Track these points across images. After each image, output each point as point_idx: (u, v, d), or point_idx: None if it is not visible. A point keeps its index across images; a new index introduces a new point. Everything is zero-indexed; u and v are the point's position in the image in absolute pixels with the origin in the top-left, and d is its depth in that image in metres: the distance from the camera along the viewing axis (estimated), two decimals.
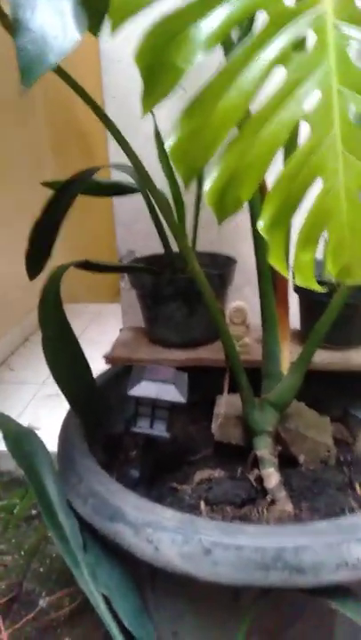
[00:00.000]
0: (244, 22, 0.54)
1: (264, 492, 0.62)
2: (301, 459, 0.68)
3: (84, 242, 2.03)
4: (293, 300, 0.80)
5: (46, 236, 0.68)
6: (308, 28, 0.40)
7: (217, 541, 0.48)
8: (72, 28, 0.37)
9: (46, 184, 0.78)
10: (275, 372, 0.67)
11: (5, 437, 0.65)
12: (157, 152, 0.81)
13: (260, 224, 0.43)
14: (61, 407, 0.72)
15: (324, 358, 0.78)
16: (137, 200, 0.85)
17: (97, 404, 0.73)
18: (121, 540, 0.53)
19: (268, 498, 0.61)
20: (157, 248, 0.89)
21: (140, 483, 0.68)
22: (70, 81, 0.53)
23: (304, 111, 0.40)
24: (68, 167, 0.72)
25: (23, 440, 0.66)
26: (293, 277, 0.45)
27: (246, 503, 0.62)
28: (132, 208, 0.97)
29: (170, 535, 0.50)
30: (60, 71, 0.52)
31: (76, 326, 0.65)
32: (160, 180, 0.68)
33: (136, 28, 0.39)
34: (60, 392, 0.66)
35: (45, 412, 1.33)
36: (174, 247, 0.85)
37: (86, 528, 0.59)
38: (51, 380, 0.64)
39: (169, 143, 0.40)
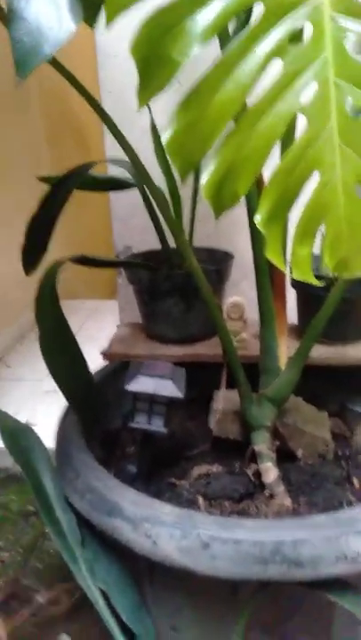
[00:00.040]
0: (241, 14, 0.54)
1: (262, 486, 0.62)
2: (300, 453, 0.68)
3: (81, 238, 2.02)
4: (291, 296, 0.80)
5: (42, 231, 0.67)
6: (305, 20, 0.40)
7: (215, 535, 0.48)
8: (67, 18, 0.36)
9: (42, 179, 0.77)
10: (272, 367, 0.67)
11: (2, 433, 0.65)
12: (154, 146, 0.81)
13: (258, 218, 0.42)
14: (59, 404, 0.72)
15: (322, 353, 0.78)
16: (133, 195, 0.84)
17: (94, 400, 0.73)
18: (119, 536, 0.53)
19: (267, 492, 0.61)
20: (154, 243, 0.89)
21: (137, 478, 0.68)
22: (66, 73, 0.53)
23: (301, 104, 0.40)
24: (65, 162, 0.72)
25: (20, 436, 0.66)
26: (291, 272, 0.45)
27: (244, 498, 0.62)
28: (128, 203, 0.96)
29: (168, 530, 0.50)
30: (56, 63, 0.52)
31: (73, 323, 0.65)
32: (156, 175, 0.68)
33: (132, 22, 0.38)
34: (57, 389, 0.66)
35: (43, 409, 1.32)
36: (171, 242, 0.85)
37: (84, 524, 0.59)
38: (48, 376, 0.64)
39: (165, 136, 0.40)
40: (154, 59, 0.38)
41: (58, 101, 1.99)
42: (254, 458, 0.64)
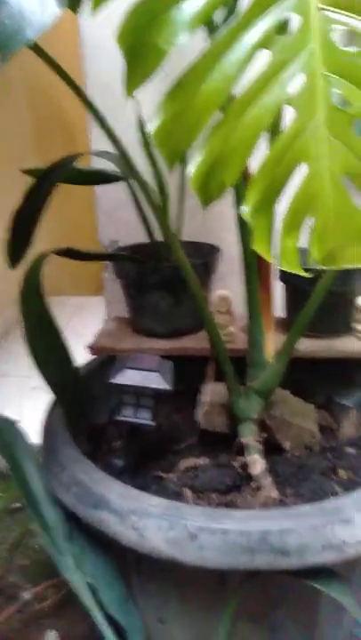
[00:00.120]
0: (229, 3, 0.54)
1: (249, 478, 0.62)
2: (287, 445, 0.68)
3: (66, 233, 2.01)
4: (279, 289, 0.80)
5: (27, 224, 0.67)
6: (291, 12, 0.40)
7: (203, 526, 0.48)
8: (51, 2, 0.36)
9: (27, 171, 0.76)
10: (259, 360, 0.68)
11: None
12: (141, 139, 0.80)
13: (245, 209, 0.42)
14: (45, 400, 0.71)
15: (309, 346, 0.78)
16: (119, 188, 0.84)
17: (81, 394, 0.72)
18: (106, 528, 0.52)
19: (254, 484, 0.61)
20: (140, 238, 0.89)
21: (124, 472, 0.68)
22: (50, 60, 0.53)
23: (288, 95, 0.40)
24: (50, 156, 0.71)
25: (4, 431, 0.66)
26: (278, 264, 0.45)
27: (232, 490, 0.62)
28: (114, 197, 0.96)
29: (155, 521, 0.50)
30: (40, 51, 0.51)
31: (59, 319, 0.64)
32: (143, 169, 0.68)
33: (118, 12, 0.38)
34: (43, 385, 0.65)
35: (29, 405, 1.31)
36: (158, 237, 0.85)
37: (71, 518, 0.58)
38: (34, 372, 0.63)
39: (152, 126, 0.40)
40: (140, 47, 0.38)
41: (44, 95, 1.97)
42: (241, 450, 0.64)
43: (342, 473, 0.66)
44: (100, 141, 0.92)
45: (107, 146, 0.69)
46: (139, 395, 0.65)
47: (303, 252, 0.44)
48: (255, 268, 0.65)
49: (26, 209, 0.66)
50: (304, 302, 0.63)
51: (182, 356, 0.78)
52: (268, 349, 0.68)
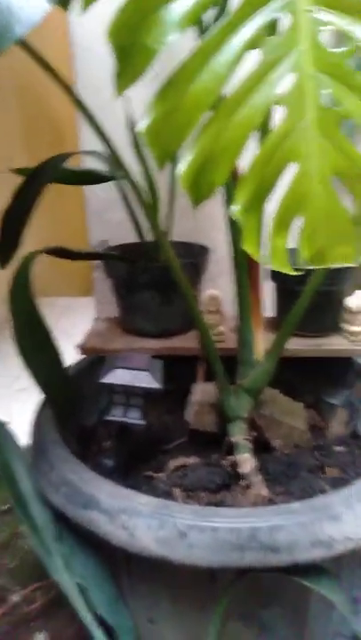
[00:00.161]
0: (219, 3, 0.54)
1: (239, 477, 0.62)
2: (276, 444, 0.69)
3: (56, 233, 2.00)
4: (269, 289, 0.80)
5: (16, 224, 0.66)
6: (281, 12, 0.40)
7: (192, 524, 0.48)
8: None
9: (16, 171, 0.76)
10: (249, 360, 0.68)
11: None
12: (131, 139, 0.80)
13: (234, 208, 0.43)
14: (34, 402, 0.71)
15: (298, 345, 0.79)
16: (109, 188, 0.84)
17: (70, 394, 0.72)
18: (95, 528, 0.52)
19: (243, 483, 0.61)
20: (130, 238, 0.89)
21: (114, 472, 0.68)
22: (38, 57, 0.52)
23: (278, 95, 0.40)
24: (39, 156, 0.70)
25: None
26: (268, 264, 0.45)
27: (221, 489, 0.63)
28: (104, 197, 0.96)
29: (145, 520, 0.50)
30: (29, 48, 0.51)
31: (48, 319, 0.64)
32: (133, 170, 0.68)
33: (108, 11, 0.38)
34: (32, 387, 0.65)
35: (18, 407, 1.30)
36: (148, 237, 0.85)
37: (60, 518, 0.58)
38: (22, 374, 0.63)
39: (142, 125, 0.40)
40: (130, 47, 0.38)
41: (33, 94, 1.96)
42: (231, 449, 0.65)
43: (331, 471, 0.66)
44: (89, 141, 0.92)
45: (96, 146, 0.69)
46: (129, 394, 0.65)
47: (293, 253, 0.44)
48: (245, 268, 0.65)
49: (15, 209, 0.66)
50: (293, 302, 0.63)
51: (172, 356, 0.78)
52: (258, 349, 0.68)
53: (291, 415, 0.71)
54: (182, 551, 0.48)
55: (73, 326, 1.63)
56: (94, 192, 0.97)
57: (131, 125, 0.80)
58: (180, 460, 0.68)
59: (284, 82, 0.40)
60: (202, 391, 0.73)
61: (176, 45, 0.39)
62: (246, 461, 0.61)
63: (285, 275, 0.44)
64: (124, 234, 0.91)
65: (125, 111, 0.77)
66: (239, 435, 0.64)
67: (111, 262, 0.84)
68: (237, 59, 0.39)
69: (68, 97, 0.57)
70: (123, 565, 0.59)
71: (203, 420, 0.71)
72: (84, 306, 1.73)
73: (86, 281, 1.13)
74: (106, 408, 0.68)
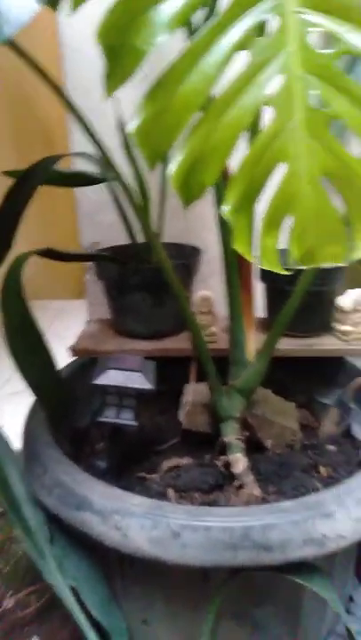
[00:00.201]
0: (208, 4, 0.54)
1: (232, 477, 0.62)
2: (269, 443, 0.69)
3: (47, 235, 1.99)
4: (260, 290, 0.81)
5: (7, 227, 0.66)
6: (269, 13, 0.40)
7: (185, 524, 0.48)
8: None
9: (6, 173, 0.76)
10: (241, 360, 0.68)
11: None
12: (121, 141, 0.81)
13: (225, 209, 0.43)
14: (26, 405, 0.70)
15: (289, 345, 0.79)
16: (100, 191, 0.84)
17: (63, 395, 0.72)
18: (89, 529, 0.52)
19: (236, 483, 0.61)
20: (121, 240, 0.89)
21: (107, 474, 0.68)
22: (27, 58, 0.52)
23: (267, 96, 0.41)
24: (29, 159, 0.70)
25: None
26: (259, 263, 0.45)
27: (214, 489, 0.63)
28: (95, 199, 0.96)
29: (138, 521, 0.49)
30: (18, 49, 0.51)
31: (41, 322, 0.64)
32: (123, 171, 0.68)
33: (98, 10, 0.38)
34: (24, 390, 0.65)
35: (10, 410, 1.30)
36: (140, 239, 0.85)
37: (53, 520, 0.58)
38: (15, 377, 0.63)
39: (132, 126, 0.40)
40: (119, 47, 0.38)
41: (22, 96, 1.96)
42: (224, 449, 0.65)
43: (323, 470, 0.67)
44: (80, 143, 0.92)
45: (87, 147, 0.69)
46: (121, 395, 0.65)
47: (283, 253, 0.44)
48: (236, 268, 0.65)
49: (6, 211, 0.66)
50: (284, 302, 0.63)
51: (165, 357, 0.78)
52: (250, 349, 0.69)
53: (283, 415, 0.71)
54: (175, 551, 0.48)
55: (66, 329, 1.63)
56: (85, 194, 0.97)
57: (121, 127, 0.80)
58: (174, 461, 0.68)
59: (273, 83, 0.40)
60: (194, 392, 0.73)
61: (165, 47, 0.39)
62: (239, 461, 0.62)
63: (275, 275, 0.44)
64: (115, 235, 0.91)
65: (115, 112, 0.77)
66: (232, 435, 0.64)
67: (102, 264, 0.84)
68: (227, 59, 0.40)
69: (57, 98, 0.57)
70: (116, 567, 0.59)
71: (195, 420, 0.71)
72: (77, 308, 1.72)
73: (79, 284, 1.13)
74: (98, 409, 0.67)
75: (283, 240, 0.45)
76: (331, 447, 0.72)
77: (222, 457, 0.64)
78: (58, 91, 0.56)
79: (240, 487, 0.61)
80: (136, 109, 0.39)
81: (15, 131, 1.98)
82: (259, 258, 0.45)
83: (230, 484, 0.62)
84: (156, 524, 0.49)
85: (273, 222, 0.44)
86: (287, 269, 0.45)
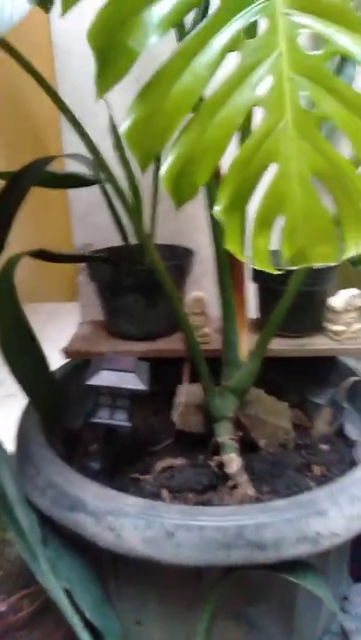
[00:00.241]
0: (200, 6, 0.55)
1: (226, 477, 0.62)
2: (262, 443, 0.69)
3: (40, 238, 1.98)
4: (252, 290, 0.81)
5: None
6: (259, 15, 0.41)
7: (179, 524, 0.48)
8: None
9: None
10: (234, 360, 0.68)
11: None
12: (114, 143, 0.81)
13: (217, 209, 0.43)
14: (19, 408, 0.70)
15: (282, 346, 0.79)
16: (93, 192, 0.84)
17: (56, 397, 0.72)
18: (82, 530, 0.52)
19: (230, 483, 0.61)
20: (114, 241, 0.89)
21: (100, 475, 0.68)
22: (19, 58, 0.52)
23: (257, 97, 0.41)
24: (21, 161, 0.70)
25: None
26: (251, 264, 0.45)
27: (208, 489, 0.63)
28: (87, 200, 0.96)
29: (132, 521, 0.49)
30: (10, 49, 0.51)
31: (33, 325, 0.63)
32: (116, 173, 0.68)
33: (90, 11, 0.38)
34: (17, 393, 0.65)
35: (3, 412, 1.29)
36: (133, 240, 0.85)
37: (46, 522, 0.58)
38: (8, 380, 0.63)
39: (124, 127, 0.40)
40: (111, 48, 0.39)
41: (14, 97, 1.95)
42: (217, 450, 0.65)
43: (316, 469, 0.67)
44: (72, 145, 0.92)
45: (79, 149, 0.69)
46: (115, 396, 0.65)
47: (275, 254, 0.45)
48: (228, 269, 0.66)
49: None
50: (276, 302, 0.64)
51: (158, 358, 0.79)
52: (243, 349, 0.69)
53: (276, 414, 0.72)
54: (170, 551, 0.48)
55: (59, 332, 1.62)
56: (78, 195, 0.97)
57: (113, 128, 0.80)
58: (167, 462, 0.68)
59: (263, 83, 0.41)
60: (187, 392, 0.73)
61: (157, 49, 0.39)
62: (233, 461, 0.62)
63: (267, 275, 0.44)
64: (108, 237, 0.91)
65: (108, 114, 0.77)
66: (225, 435, 0.65)
67: (95, 265, 0.84)
68: (218, 60, 0.40)
69: (50, 99, 0.57)
70: (109, 568, 0.59)
71: (189, 420, 0.71)
72: (69, 311, 1.72)
73: (72, 286, 1.13)
74: (92, 411, 0.67)
75: (275, 241, 0.45)
76: (324, 446, 0.73)
77: (216, 457, 0.64)
78: (50, 92, 0.56)
79: (234, 487, 0.61)
80: (128, 111, 0.40)
81: (6, 132, 1.98)
82: (251, 258, 0.45)
83: (224, 484, 0.62)
84: (150, 524, 0.49)
85: (264, 222, 0.45)
86: (279, 269, 0.45)
